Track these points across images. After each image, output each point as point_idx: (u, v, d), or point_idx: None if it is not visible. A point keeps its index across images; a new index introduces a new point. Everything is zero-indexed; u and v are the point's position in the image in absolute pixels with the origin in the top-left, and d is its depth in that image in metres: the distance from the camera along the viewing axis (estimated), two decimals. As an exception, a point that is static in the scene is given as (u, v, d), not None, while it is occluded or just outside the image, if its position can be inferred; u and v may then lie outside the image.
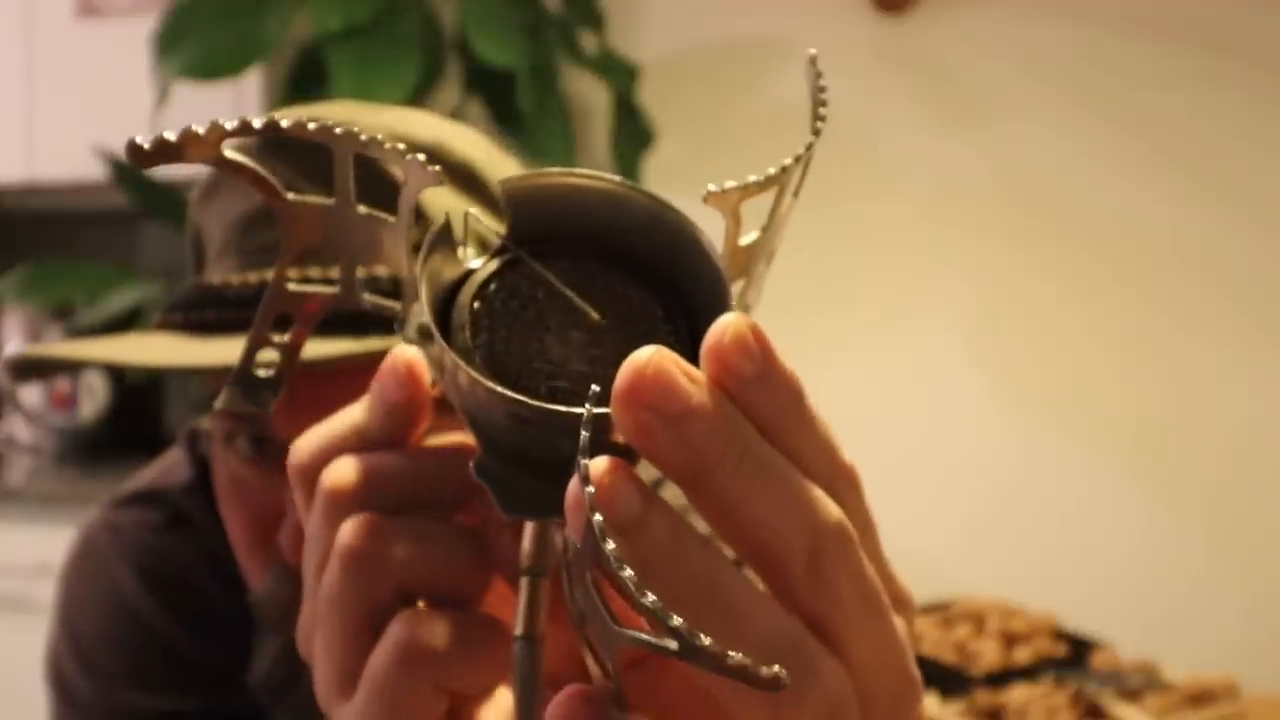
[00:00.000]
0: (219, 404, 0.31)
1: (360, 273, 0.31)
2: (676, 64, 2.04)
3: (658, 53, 2.05)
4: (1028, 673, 1.20)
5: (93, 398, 2.20)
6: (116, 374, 2.22)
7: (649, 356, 0.24)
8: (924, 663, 1.22)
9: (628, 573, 0.21)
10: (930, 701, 1.16)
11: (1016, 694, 1.14)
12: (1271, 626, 1.80)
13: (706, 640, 0.20)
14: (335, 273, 0.31)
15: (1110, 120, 1.87)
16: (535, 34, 1.77)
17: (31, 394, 2.28)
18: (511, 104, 1.72)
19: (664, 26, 2.06)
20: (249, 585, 0.60)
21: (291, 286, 0.30)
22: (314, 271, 0.51)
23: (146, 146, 0.26)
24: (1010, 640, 1.27)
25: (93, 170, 1.87)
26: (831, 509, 0.25)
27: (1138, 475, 1.88)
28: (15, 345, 2.25)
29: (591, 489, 0.22)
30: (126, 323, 1.90)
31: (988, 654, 1.23)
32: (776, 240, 0.30)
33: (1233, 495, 1.84)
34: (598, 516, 0.22)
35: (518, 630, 0.27)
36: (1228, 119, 1.82)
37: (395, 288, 0.31)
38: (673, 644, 0.21)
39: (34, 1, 2.14)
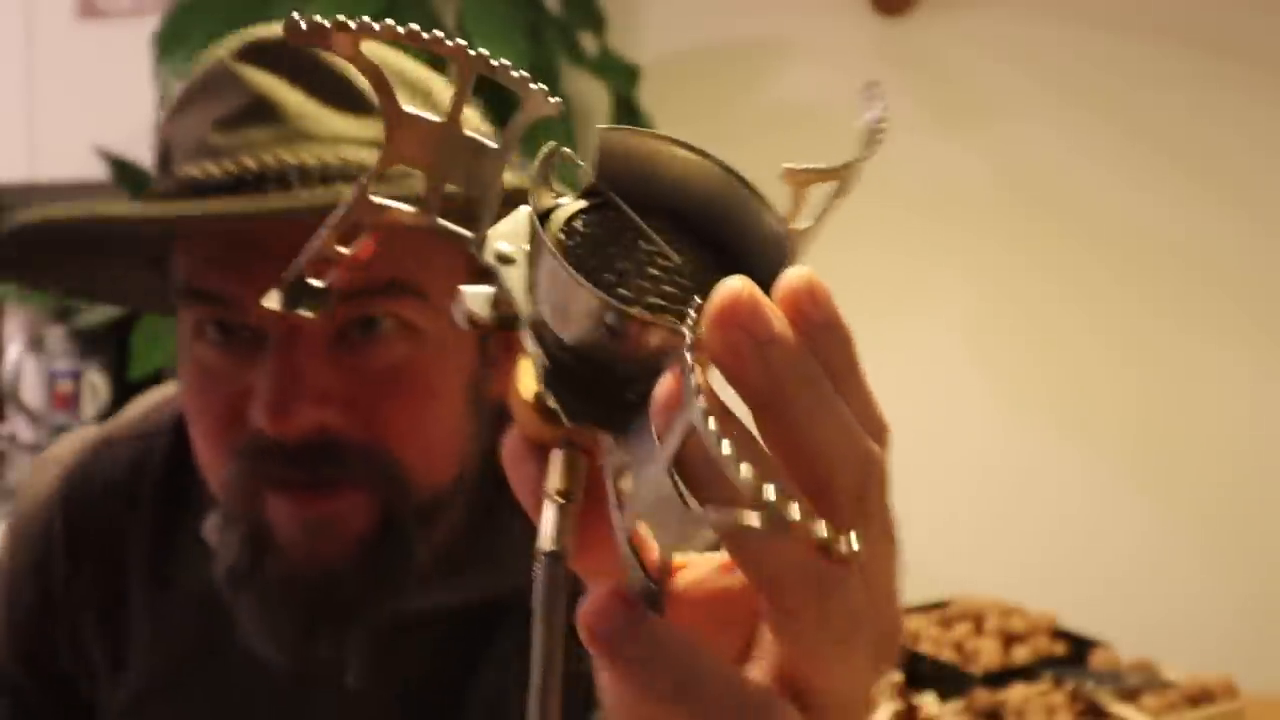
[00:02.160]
0: (267, 301, 0.31)
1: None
2: (676, 65, 2.04)
3: (657, 53, 2.05)
4: (1026, 672, 1.21)
5: (94, 397, 2.21)
6: (118, 373, 2.23)
7: (743, 282, 0.25)
8: (923, 661, 1.23)
9: (725, 448, 0.22)
10: (929, 700, 1.16)
11: (1015, 693, 1.14)
12: (1270, 626, 1.81)
13: (795, 512, 0.22)
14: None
15: (1109, 121, 1.87)
16: (535, 35, 1.77)
17: (33, 393, 2.29)
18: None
19: (663, 27, 2.06)
20: (214, 476, 0.59)
21: (375, 199, 0.31)
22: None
23: (303, 26, 0.28)
24: (1009, 639, 1.27)
25: (94, 171, 1.87)
26: (876, 448, 0.27)
27: (1137, 475, 1.88)
28: (17, 347, 2.25)
29: (693, 364, 0.23)
30: (127, 323, 1.91)
31: (986, 653, 1.23)
32: (816, 234, 0.32)
33: (1232, 496, 1.84)
34: (695, 379, 0.23)
35: (547, 547, 0.28)
36: (1227, 120, 1.82)
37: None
38: (756, 519, 0.22)
39: (35, 2, 2.14)
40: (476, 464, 0.62)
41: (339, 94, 0.57)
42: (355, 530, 0.56)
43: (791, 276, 0.27)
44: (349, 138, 0.56)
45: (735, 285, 0.25)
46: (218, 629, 0.64)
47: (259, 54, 0.59)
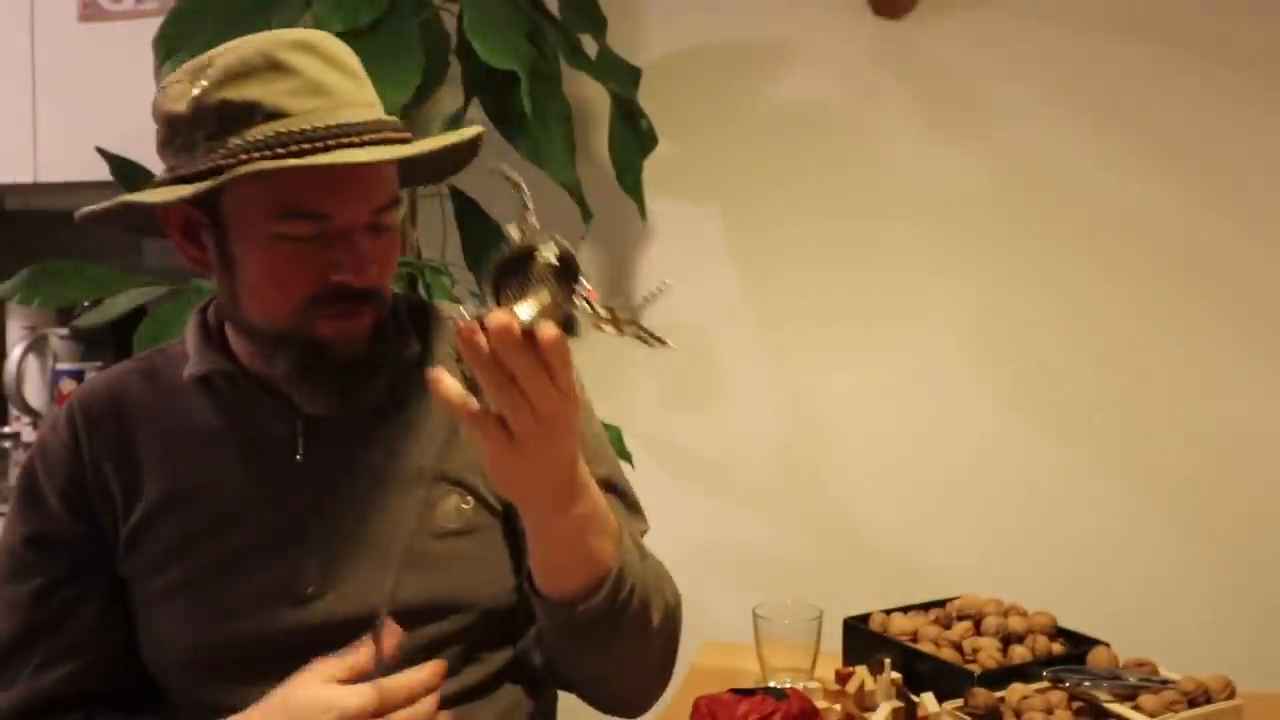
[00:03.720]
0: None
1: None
2: (676, 66, 2.05)
3: (657, 55, 2.05)
4: (1025, 671, 1.21)
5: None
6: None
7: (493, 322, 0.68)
8: (922, 660, 1.23)
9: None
10: (927, 699, 1.16)
11: (1014, 692, 1.15)
12: (1271, 627, 1.81)
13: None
14: None
15: (1108, 124, 1.87)
16: (536, 36, 1.78)
17: (36, 393, 2.29)
18: (513, 106, 1.73)
19: (664, 28, 2.07)
20: (278, 319, 0.92)
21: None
22: None
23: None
24: (1008, 639, 1.27)
25: (97, 172, 1.88)
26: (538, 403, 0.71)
27: (1137, 477, 1.88)
28: (19, 347, 2.26)
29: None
30: (130, 324, 1.91)
31: (985, 652, 1.23)
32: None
33: (1234, 497, 1.84)
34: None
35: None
36: (1225, 122, 1.82)
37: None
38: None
39: (38, 5, 2.15)
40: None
41: (345, 69, 0.92)
42: (366, 334, 0.94)
43: (498, 322, 0.67)
44: (366, 101, 0.92)
45: (497, 319, 0.67)
46: (204, 452, 0.98)
47: (292, 45, 0.91)
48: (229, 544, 0.96)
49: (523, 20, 1.75)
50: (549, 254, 0.68)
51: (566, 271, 0.68)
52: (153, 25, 1.68)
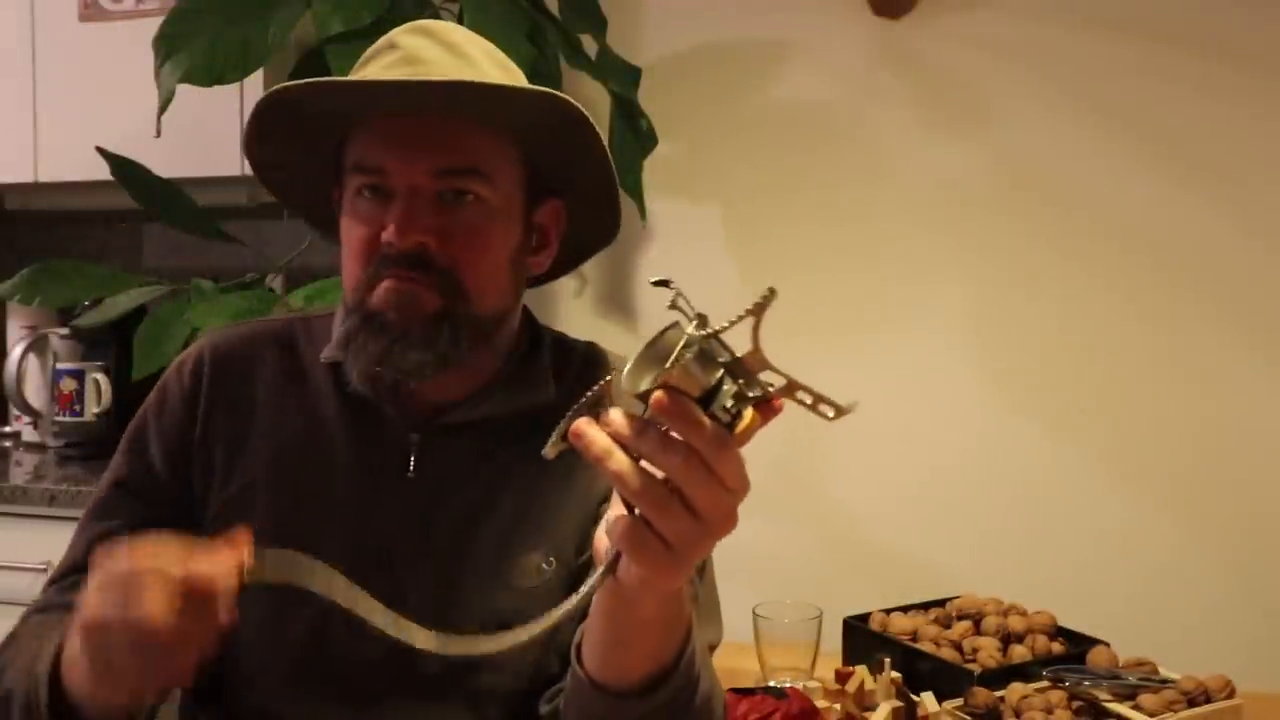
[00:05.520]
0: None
1: None
2: (676, 66, 2.05)
3: (657, 55, 2.05)
4: (1025, 671, 1.21)
5: (97, 396, 2.21)
6: (120, 373, 2.23)
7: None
8: (922, 660, 1.23)
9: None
10: (928, 699, 1.17)
11: (1013, 692, 1.15)
12: (1271, 627, 1.81)
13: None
14: None
15: (1108, 124, 1.87)
16: (536, 36, 1.78)
17: (36, 393, 2.29)
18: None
19: (663, 28, 2.07)
20: (353, 283, 0.90)
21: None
22: None
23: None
24: (1008, 638, 1.28)
25: (97, 172, 1.88)
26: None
27: (1137, 477, 1.88)
28: (19, 347, 2.26)
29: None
30: (130, 324, 1.91)
31: (985, 651, 1.24)
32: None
33: (1235, 499, 1.84)
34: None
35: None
36: (1225, 122, 1.82)
37: None
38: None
39: (37, 4, 2.15)
40: (517, 311, 0.98)
41: (451, 48, 0.93)
42: (423, 309, 0.88)
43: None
44: (462, 74, 0.90)
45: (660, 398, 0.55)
46: (318, 443, 0.95)
47: (408, 32, 0.93)
48: (314, 547, 0.89)
49: (523, 20, 1.75)
50: (686, 326, 0.55)
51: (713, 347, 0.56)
52: (153, 25, 1.68)
